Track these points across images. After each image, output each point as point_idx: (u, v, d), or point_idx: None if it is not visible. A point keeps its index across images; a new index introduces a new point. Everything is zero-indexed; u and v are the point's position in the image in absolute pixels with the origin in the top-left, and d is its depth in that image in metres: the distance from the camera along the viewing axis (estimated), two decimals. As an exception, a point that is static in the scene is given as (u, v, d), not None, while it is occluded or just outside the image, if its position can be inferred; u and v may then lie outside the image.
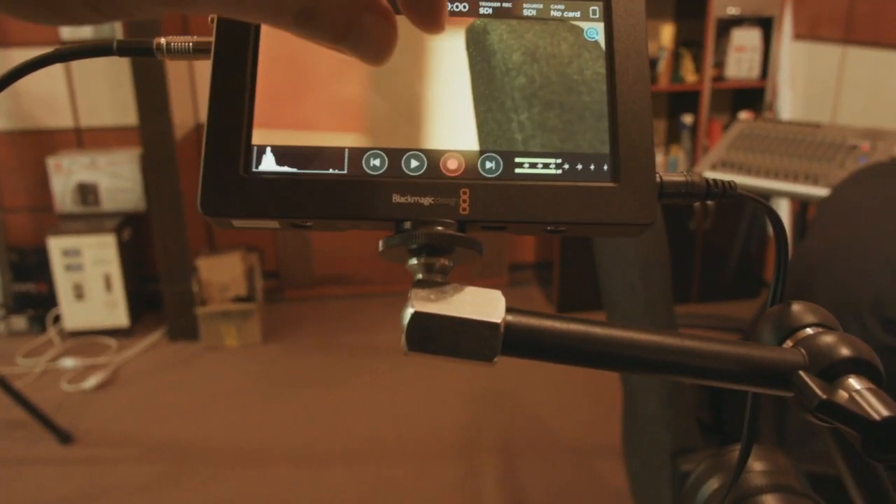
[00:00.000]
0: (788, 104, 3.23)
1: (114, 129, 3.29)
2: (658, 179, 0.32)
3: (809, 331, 0.31)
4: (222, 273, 3.10)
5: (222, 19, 0.32)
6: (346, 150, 0.31)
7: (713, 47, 3.25)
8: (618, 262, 1.40)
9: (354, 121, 0.31)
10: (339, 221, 0.30)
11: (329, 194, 0.30)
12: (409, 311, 0.29)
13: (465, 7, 0.33)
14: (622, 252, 1.34)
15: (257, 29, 0.32)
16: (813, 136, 2.34)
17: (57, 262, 3.06)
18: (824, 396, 0.28)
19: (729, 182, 0.33)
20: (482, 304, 0.29)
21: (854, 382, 0.29)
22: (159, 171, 3.00)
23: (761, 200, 0.33)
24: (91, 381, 2.78)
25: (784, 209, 3.22)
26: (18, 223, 3.33)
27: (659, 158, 3.38)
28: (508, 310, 0.30)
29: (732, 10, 3.18)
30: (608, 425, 2.37)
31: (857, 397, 0.28)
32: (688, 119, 3.35)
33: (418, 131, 0.32)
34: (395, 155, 0.31)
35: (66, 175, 3.13)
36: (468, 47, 0.32)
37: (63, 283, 3.09)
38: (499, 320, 0.29)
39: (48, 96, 3.21)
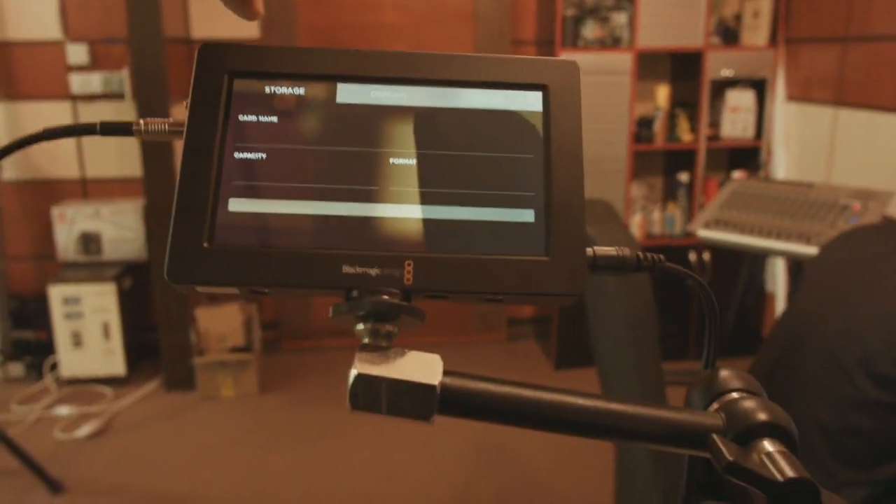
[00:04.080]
0: (783, 164, 3.29)
1: (119, 180, 3.35)
2: (591, 253, 0.35)
3: (734, 395, 0.34)
4: (221, 323, 3.11)
5: (195, 102, 0.35)
6: (301, 223, 0.34)
7: (708, 108, 3.32)
8: (606, 320, 1.41)
9: (309, 196, 0.34)
10: (293, 290, 0.33)
11: (284, 265, 0.33)
12: (353, 373, 0.31)
13: (415, 97, 0.36)
14: (609, 310, 1.36)
15: (226, 114, 0.35)
16: (805, 196, 2.38)
17: (57, 310, 3.08)
18: (731, 458, 0.30)
19: (658, 256, 0.35)
20: (421, 367, 0.32)
21: (767, 445, 0.31)
22: (162, 221, 3.05)
23: (688, 272, 0.36)
24: (85, 430, 2.78)
25: (780, 267, 3.25)
26: (21, 271, 3.37)
27: (656, 215, 3.42)
28: (446, 373, 0.32)
29: (726, 72, 3.26)
30: (602, 483, 2.35)
31: (767, 459, 0.30)
32: (684, 177, 3.40)
33: (367, 207, 0.34)
34: (345, 228, 0.34)
35: (70, 224, 3.17)
36: (415, 131, 0.36)
37: (62, 330, 3.11)
38: (435, 382, 0.31)
39: (55, 148, 3.28)
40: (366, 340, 0.33)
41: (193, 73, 0.35)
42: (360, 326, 0.34)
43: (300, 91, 0.36)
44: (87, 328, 3.13)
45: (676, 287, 3.37)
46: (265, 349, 3.43)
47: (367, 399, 0.31)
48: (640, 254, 0.35)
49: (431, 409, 0.31)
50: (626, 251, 0.35)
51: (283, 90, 0.36)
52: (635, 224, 3.37)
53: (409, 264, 0.33)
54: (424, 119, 0.36)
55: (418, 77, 0.36)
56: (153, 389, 3.16)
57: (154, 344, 3.22)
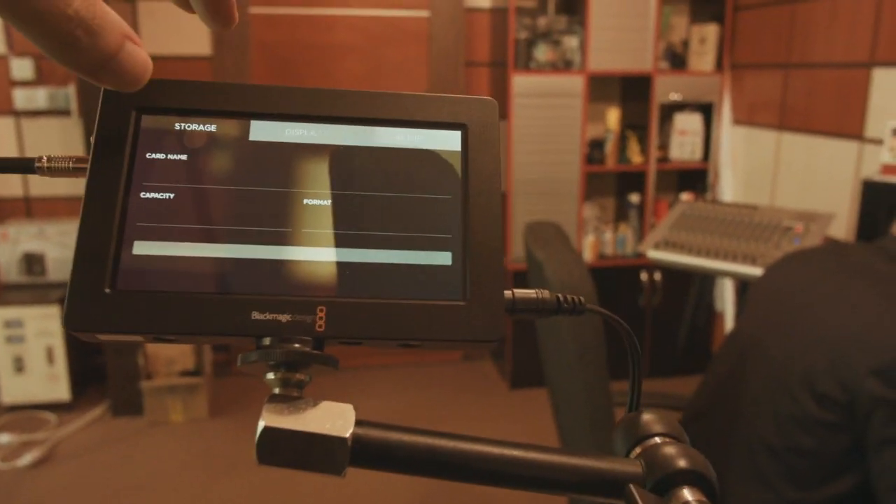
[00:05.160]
0: (730, 186, 3.36)
1: (65, 198, 3.27)
2: (510, 296, 0.35)
3: (657, 440, 0.33)
4: (170, 346, 3.04)
5: (100, 138, 0.33)
6: (209, 267, 0.33)
7: (657, 130, 3.38)
8: (555, 345, 1.42)
9: (218, 238, 0.33)
10: (200, 337, 0.32)
11: (190, 311, 0.31)
12: (261, 426, 0.30)
13: (331, 135, 0.35)
14: (558, 335, 1.36)
15: (133, 152, 0.34)
16: (750, 218, 2.43)
17: (-3, 334, 2.98)
18: (647, 512, 0.29)
19: (578, 298, 0.35)
20: (332, 418, 0.31)
21: (686, 494, 0.31)
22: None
23: (611, 315, 0.35)
24: (27, 458, 2.68)
25: (728, 287, 3.31)
26: (-40, 293, 3.25)
27: (608, 236, 3.46)
28: (358, 423, 0.31)
29: (675, 96, 3.33)
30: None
31: (684, 510, 0.30)
32: (635, 198, 3.45)
33: (279, 249, 0.33)
34: (255, 272, 0.33)
35: (13, 244, 3.08)
36: (331, 170, 0.35)
37: (3, 355, 3.00)
38: (347, 434, 0.30)
39: (-2, 166, 3.18)
40: (276, 391, 0.32)
41: (99, 109, 0.34)
42: (271, 376, 0.32)
43: (211, 128, 0.35)
44: (30, 352, 3.03)
45: (628, 308, 3.41)
46: (216, 372, 3.36)
47: (276, 453, 0.30)
48: (560, 296, 0.35)
49: (343, 462, 0.30)
50: (546, 294, 0.35)
51: (194, 127, 0.35)
52: (588, 245, 3.40)
53: (321, 310, 0.32)
54: (340, 158, 0.35)
55: (334, 115, 0.35)
56: (99, 415, 3.07)
57: (101, 368, 3.13)
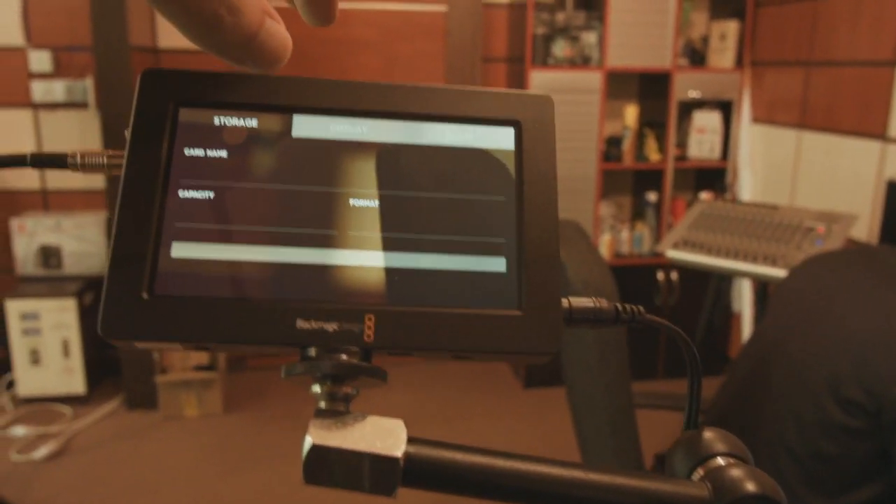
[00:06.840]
0: (749, 185, 3.32)
1: (81, 191, 3.27)
2: (567, 305, 0.33)
3: (720, 461, 0.31)
4: (184, 340, 3.04)
5: (136, 132, 0.32)
6: (251, 271, 0.31)
7: (675, 128, 3.34)
8: (576, 344, 1.40)
9: (260, 241, 0.31)
10: (241, 346, 0.30)
11: (232, 319, 0.30)
12: (308, 443, 0.28)
13: (377, 132, 0.34)
14: (580, 334, 1.34)
15: (170, 147, 0.32)
16: (771, 218, 2.39)
17: (14, 326, 2.99)
18: (719, 540, 0.28)
19: (638, 308, 0.33)
20: (383, 436, 0.29)
21: (756, 520, 0.29)
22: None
23: (671, 326, 0.34)
24: (42, 451, 2.69)
25: (746, 288, 3.27)
26: (-24, 285, 3.26)
27: (624, 234, 3.43)
28: (410, 440, 0.29)
29: (693, 94, 3.29)
30: None
31: (756, 538, 0.28)
32: (652, 196, 3.41)
33: (325, 253, 0.32)
34: (300, 277, 0.31)
35: (30, 237, 3.09)
36: (378, 170, 0.33)
37: (19, 347, 3.01)
38: (399, 454, 0.28)
39: (15, 159, 3.19)
40: (322, 404, 0.30)
41: (135, 102, 0.32)
42: (316, 389, 0.31)
43: (252, 123, 0.33)
44: (46, 345, 3.03)
45: (644, 303, 3.37)
46: (230, 367, 3.36)
47: (324, 472, 0.28)
48: (619, 305, 0.33)
49: (394, 483, 0.28)
50: (604, 303, 0.33)
51: (234, 122, 0.33)
52: (604, 243, 3.38)
53: (369, 318, 0.30)
54: (387, 156, 0.33)
55: (381, 110, 0.34)
56: (114, 409, 3.07)
57: (115, 362, 3.14)
